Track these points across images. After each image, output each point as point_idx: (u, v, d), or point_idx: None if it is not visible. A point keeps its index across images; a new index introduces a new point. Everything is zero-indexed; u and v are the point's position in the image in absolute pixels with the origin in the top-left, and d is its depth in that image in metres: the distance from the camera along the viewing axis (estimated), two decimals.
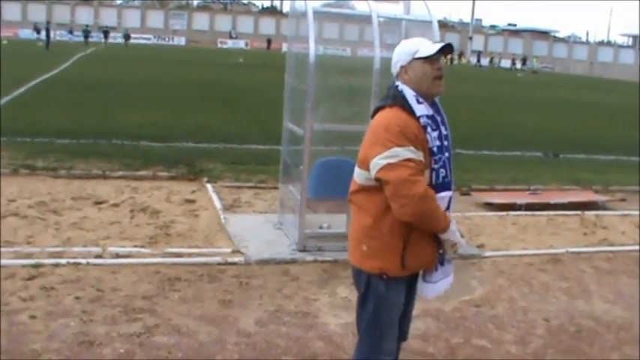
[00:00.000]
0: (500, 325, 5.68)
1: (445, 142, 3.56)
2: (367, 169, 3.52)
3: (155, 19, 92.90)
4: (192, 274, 6.31)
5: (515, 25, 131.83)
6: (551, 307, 6.16)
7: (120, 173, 10.18)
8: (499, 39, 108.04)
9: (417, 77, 3.54)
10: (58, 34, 67.62)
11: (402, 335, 3.96)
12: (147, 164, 10.79)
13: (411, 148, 3.38)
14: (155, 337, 4.98)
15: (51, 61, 33.56)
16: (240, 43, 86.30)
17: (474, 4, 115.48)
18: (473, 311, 5.94)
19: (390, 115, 3.49)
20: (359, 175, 3.62)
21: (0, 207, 7.98)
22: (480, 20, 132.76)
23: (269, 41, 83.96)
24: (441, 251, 3.64)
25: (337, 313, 5.68)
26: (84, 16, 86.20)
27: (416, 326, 5.55)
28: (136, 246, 7.02)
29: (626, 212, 9.91)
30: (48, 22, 61.28)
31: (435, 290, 3.76)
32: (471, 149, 14.70)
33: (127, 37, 70.44)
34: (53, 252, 6.63)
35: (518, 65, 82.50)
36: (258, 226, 7.82)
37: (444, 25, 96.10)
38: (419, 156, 3.41)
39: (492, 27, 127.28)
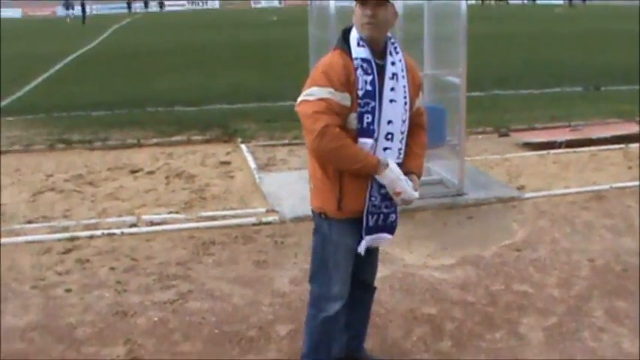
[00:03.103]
0: (542, 269, 5.51)
1: (382, 91, 3.45)
2: None
3: None
4: (226, 236, 6.26)
5: None
6: (595, 246, 5.96)
7: (154, 140, 10.18)
8: None
9: (354, 19, 3.51)
10: (94, 8, 67.58)
11: (364, 283, 3.99)
12: (181, 129, 10.77)
13: (330, 89, 3.36)
14: (189, 303, 4.95)
15: (87, 35, 33.70)
16: (274, 2, 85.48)
17: None
18: (514, 256, 5.77)
19: (325, 57, 3.54)
20: None
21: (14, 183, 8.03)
22: None
23: None
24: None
25: None
26: None
27: (455, 275, 5.44)
28: (170, 212, 7.00)
29: None
30: None
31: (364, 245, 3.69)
32: (509, 89, 14.36)
33: (161, 4, 73.80)
34: (88, 224, 6.66)
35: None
36: (293, 183, 7.72)
37: None
38: (339, 97, 3.38)
39: None
